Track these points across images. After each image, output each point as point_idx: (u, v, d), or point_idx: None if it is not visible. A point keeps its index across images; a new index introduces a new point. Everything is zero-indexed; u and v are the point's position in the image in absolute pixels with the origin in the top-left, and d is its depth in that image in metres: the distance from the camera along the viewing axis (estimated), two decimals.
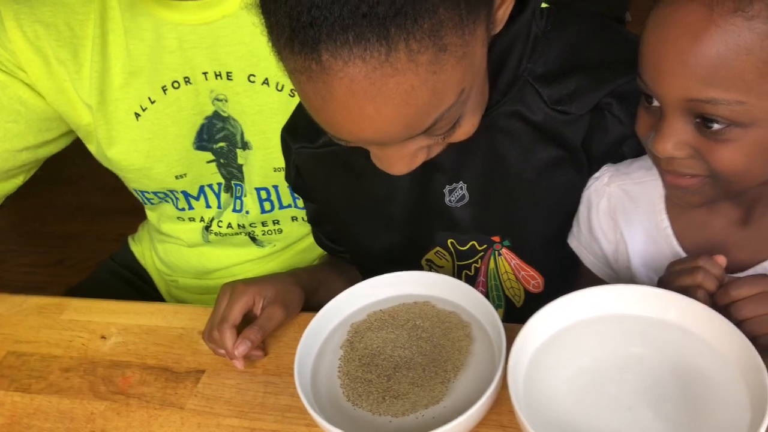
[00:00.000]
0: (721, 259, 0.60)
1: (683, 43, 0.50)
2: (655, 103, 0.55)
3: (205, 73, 0.80)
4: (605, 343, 0.59)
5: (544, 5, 0.69)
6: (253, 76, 0.79)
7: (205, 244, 0.96)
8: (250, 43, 0.77)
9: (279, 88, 0.79)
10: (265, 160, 0.84)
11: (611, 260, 0.72)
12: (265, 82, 0.79)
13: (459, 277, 0.75)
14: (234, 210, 0.91)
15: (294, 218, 0.92)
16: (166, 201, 0.93)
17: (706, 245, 0.65)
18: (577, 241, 0.74)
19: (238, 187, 0.89)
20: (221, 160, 0.87)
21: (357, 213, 0.77)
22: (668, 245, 0.66)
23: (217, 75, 0.80)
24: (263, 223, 0.92)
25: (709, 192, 0.57)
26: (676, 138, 0.54)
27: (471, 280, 0.76)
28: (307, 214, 0.86)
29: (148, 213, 1.00)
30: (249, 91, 0.80)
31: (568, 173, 0.70)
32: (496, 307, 0.78)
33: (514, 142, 0.69)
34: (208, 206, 0.92)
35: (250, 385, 0.68)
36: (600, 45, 0.69)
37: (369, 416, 0.58)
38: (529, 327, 0.59)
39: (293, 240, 0.94)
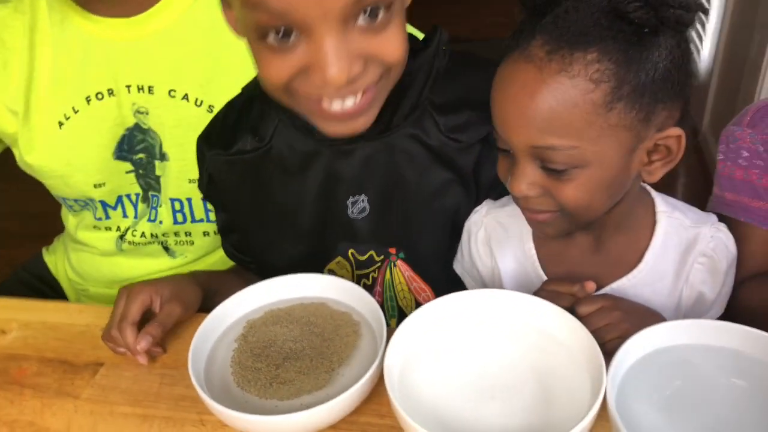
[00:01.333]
0: (591, 286, 0.69)
1: (522, 99, 0.59)
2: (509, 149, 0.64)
3: (128, 86, 0.85)
4: (473, 342, 0.66)
5: (444, 47, 0.78)
6: (174, 91, 0.84)
7: (119, 254, 0.98)
8: (174, 61, 0.83)
9: (198, 103, 0.85)
10: (180, 172, 0.89)
11: (488, 284, 0.80)
12: (185, 97, 0.85)
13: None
14: (149, 220, 0.95)
15: (206, 233, 0.96)
16: (87, 209, 0.96)
17: (564, 270, 0.74)
18: (460, 266, 0.82)
19: (155, 198, 0.93)
20: (140, 171, 0.91)
21: (264, 222, 0.82)
22: (534, 270, 0.75)
23: (140, 88, 0.85)
24: (176, 234, 0.95)
25: (561, 225, 0.67)
26: (527, 180, 0.63)
27: (368, 290, 0.81)
28: (217, 223, 0.90)
29: (70, 219, 1.02)
30: (168, 105, 0.85)
31: (458, 196, 0.78)
32: (390, 316, 0.84)
33: (412, 162, 0.76)
34: (125, 216, 0.95)
35: (147, 377, 0.71)
36: (489, 87, 0.78)
37: (257, 400, 0.62)
38: (406, 325, 0.65)
39: (205, 252, 0.98)
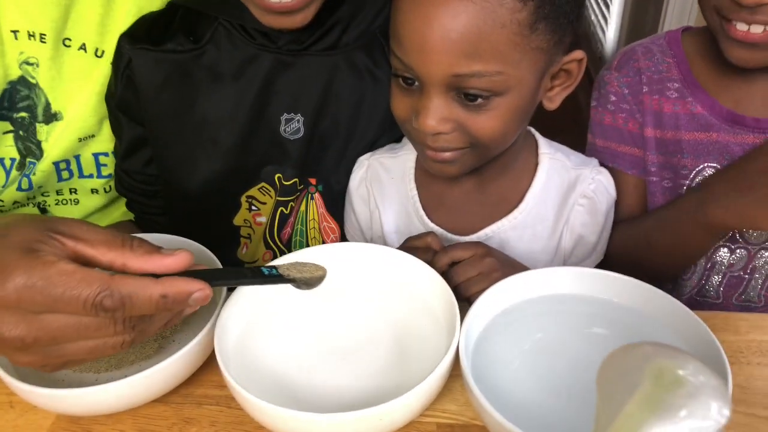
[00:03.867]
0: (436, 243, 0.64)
1: (446, 21, 0.52)
2: (415, 83, 0.58)
3: (15, 32, 0.73)
4: (324, 301, 0.60)
5: None
6: (69, 40, 0.75)
7: None
8: (70, 5, 0.73)
9: (98, 54, 0.76)
10: (72, 131, 0.78)
11: (365, 229, 0.75)
12: (82, 47, 0.75)
13: (274, 215, 0.77)
14: (19, 189, 0.82)
15: (94, 191, 0.85)
16: None
17: (446, 211, 0.71)
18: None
19: (32, 165, 0.80)
20: (20, 132, 0.78)
21: (183, 132, 0.75)
22: (416, 212, 0.71)
23: (30, 35, 0.73)
24: (58, 192, 0.84)
25: (467, 161, 0.62)
26: (439, 114, 0.57)
27: (284, 219, 0.78)
28: (122, 144, 0.80)
29: None
30: (63, 56, 0.75)
31: (390, 139, 0.75)
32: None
33: (354, 90, 0.72)
34: None
35: None
36: None
37: (72, 375, 0.54)
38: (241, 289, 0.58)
39: (88, 213, 0.86)
